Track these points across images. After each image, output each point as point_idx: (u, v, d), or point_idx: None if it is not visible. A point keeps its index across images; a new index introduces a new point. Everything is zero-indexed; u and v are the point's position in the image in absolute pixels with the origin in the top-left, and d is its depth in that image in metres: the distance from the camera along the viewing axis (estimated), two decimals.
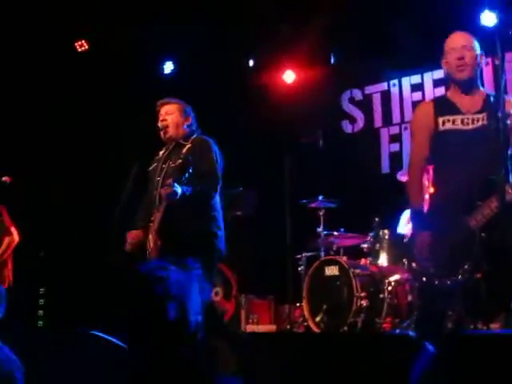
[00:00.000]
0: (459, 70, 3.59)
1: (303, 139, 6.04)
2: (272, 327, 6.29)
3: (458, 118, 3.58)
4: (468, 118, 3.57)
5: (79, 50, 7.75)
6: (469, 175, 3.41)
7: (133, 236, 4.32)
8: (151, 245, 4.18)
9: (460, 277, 3.22)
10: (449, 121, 3.58)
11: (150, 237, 4.20)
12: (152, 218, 4.20)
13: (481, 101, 3.60)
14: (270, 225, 6.79)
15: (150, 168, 4.47)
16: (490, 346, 2.49)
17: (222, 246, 4.27)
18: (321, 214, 6.20)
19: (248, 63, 8.23)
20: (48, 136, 7.89)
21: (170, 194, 3.94)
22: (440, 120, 3.60)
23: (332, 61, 7.89)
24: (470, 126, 3.55)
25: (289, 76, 8.19)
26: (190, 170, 4.04)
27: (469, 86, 3.63)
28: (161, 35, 7.47)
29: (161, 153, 4.49)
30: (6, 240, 6.55)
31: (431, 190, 3.78)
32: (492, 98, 3.51)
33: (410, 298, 5.54)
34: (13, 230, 6.61)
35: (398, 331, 5.27)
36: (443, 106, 3.66)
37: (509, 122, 3.37)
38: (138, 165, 4.27)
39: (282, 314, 6.46)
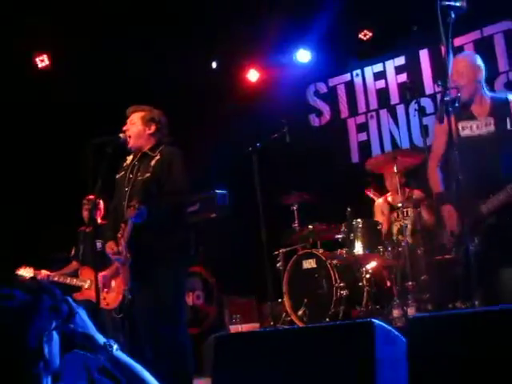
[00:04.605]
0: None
1: (270, 136, 6.04)
2: (256, 325, 6.31)
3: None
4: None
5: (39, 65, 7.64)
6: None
7: (111, 246, 4.24)
8: (122, 256, 4.17)
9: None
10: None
11: (120, 248, 4.17)
12: (120, 231, 4.16)
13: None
14: (244, 224, 6.80)
15: (118, 176, 4.40)
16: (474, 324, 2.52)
17: (191, 252, 4.28)
18: (294, 208, 6.24)
19: (211, 65, 8.23)
20: None
21: (136, 216, 3.94)
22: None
23: (294, 56, 7.92)
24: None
25: (253, 75, 8.23)
26: (157, 188, 4.09)
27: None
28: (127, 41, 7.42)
29: (128, 160, 4.42)
30: None
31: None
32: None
33: (388, 283, 5.60)
34: None
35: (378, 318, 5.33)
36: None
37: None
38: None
39: (265, 312, 6.48)
